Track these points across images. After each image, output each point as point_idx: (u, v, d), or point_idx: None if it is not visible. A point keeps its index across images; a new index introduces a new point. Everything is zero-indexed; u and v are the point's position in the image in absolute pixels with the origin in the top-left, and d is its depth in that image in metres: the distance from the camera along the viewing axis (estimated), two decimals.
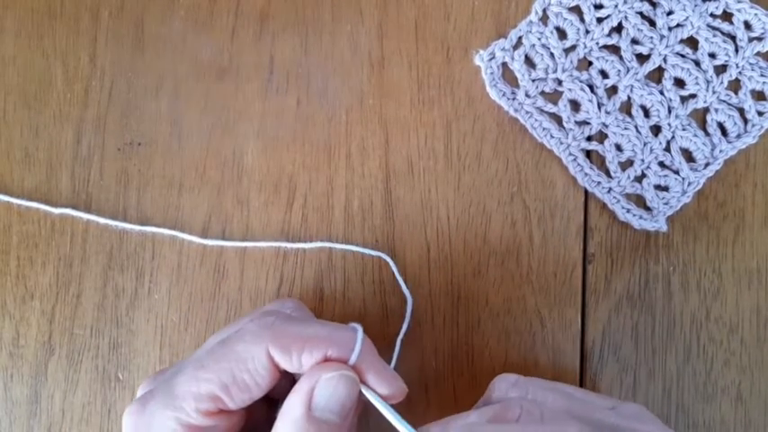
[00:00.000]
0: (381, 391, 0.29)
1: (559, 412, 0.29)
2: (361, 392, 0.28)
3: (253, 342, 0.28)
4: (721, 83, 0.38)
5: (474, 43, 0.39)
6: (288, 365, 0.28)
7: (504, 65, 0.39)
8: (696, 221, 0.38)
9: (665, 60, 0.38)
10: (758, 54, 0.39)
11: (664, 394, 0.37)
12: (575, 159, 0.38)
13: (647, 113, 0.39)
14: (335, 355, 0.28)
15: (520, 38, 0.39)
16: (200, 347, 0.31)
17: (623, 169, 0.38)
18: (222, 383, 0.27)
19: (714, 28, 0.39)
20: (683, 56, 0.39)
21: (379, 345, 0.36)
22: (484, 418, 0.29)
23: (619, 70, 0.38)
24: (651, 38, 0.38)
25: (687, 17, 0.38)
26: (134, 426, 0.28)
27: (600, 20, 0.39)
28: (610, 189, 0.38)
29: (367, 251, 0.37)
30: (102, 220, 0.38)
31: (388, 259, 0.37)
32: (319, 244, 0.38)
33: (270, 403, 0.32)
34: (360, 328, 0.29)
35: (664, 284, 0.38)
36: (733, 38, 0.39)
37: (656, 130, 0.39)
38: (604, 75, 0.39)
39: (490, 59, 0.39)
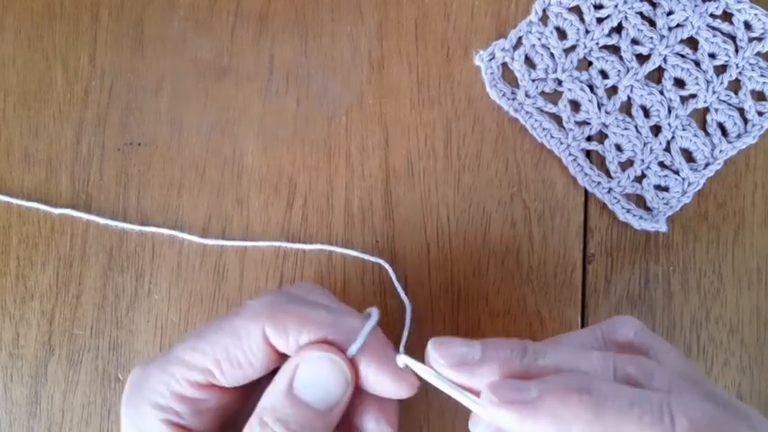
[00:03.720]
0: (381, 388, 0.27)
1: (679, 379, 0.26)
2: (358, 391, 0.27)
3: (250, 318, 0.27)
4: (721, 83, 0.38)
5: (474, 43, 0.39)
6: (284, 346, 0.27)
7: (504, 65, 0.39)
8: (696, 221, 0.38)
9: (665, 60, 0.38)
10: (758, 54, 0.39)
11: None
12: (575, 159, 0.38)
13: (647, 113, 0.39)
14: (335, 340, 0.27)
15: (520, 38, 0.39)
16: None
17: (623, 169, 0.38)
18: (215, 358, 0.27)
19: (714, 28, 0.39)
20: (683, 56, 0.39)
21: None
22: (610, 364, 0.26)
23: (619, 70, 0.38)
24: (651, 38, 0.38)
25: (687, 17, 0.38)
26: (130, 385, 0.28)
27: (600, 20, 0.39)
28: (610, 189, 0.38)
29: (366, 256, 0.37)
30: (102, 221, 0.38)
31: (387, 266, 0.37)
32: (318, 246, 0.38)
33: None
34: (374, 316, 0.28)
35: (664, 284, 0.38)
36: (733, 38, 0.39)
37: (656, 130, 0.39)
38: (604, 75, 0.39)
39: (490, 59, 0.39)
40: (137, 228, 0.38)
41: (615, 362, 0.26)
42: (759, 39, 0.38)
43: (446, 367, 0.26)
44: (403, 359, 0.27)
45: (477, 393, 0.26)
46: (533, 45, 0.39)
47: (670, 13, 0.38)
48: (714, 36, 0.38)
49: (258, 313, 0.27)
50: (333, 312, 0.28)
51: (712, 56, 0.39)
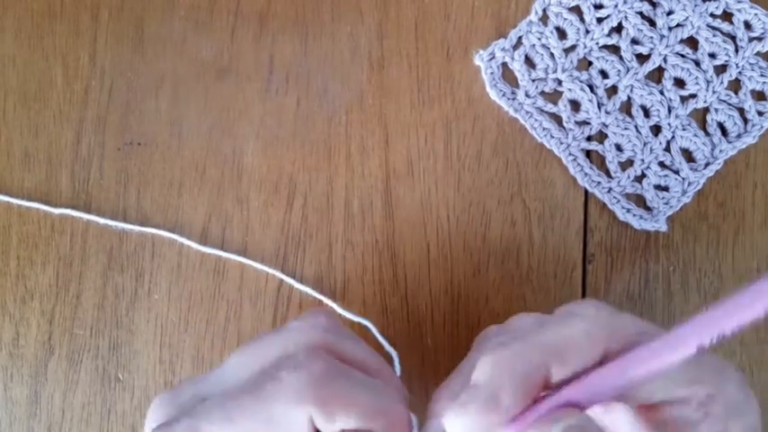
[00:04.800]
0: None
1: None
2: None
3: (294, 402, 0.24)
4: (721, 83, 0.38)
5: (474, 43, 0.39)
6: (329, 429, 0.24)
7: (504, 65, 0.39)
8: (696, 221, 0.38)
9: (665, 60, 0.38)
10: (758, 54, 0.39)
11: None
12: (575, 159, 0.38)
13: (647, 113, 0.39)
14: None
15: (520, 38, 0.39)
16: (229, 363, 0.27)
17: (623, 169, 0.38)
18: None
19: (714, 28, 0.39)
20: (683, 56, 0.39)
21: (379, 347, 0.36)
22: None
23: (619, 70, 0.38)
24: (651, 38, 0.38)
25: (687, 17, 0.38)
26: None
27: (600, 20, 0.39)
28: (610, 189, 0.38)
29: (350, 315, 0.36)
30: (102, 221, 0.38)
31: (370, 325, 0.36)
32: (311, 291, 0.37)
33: None
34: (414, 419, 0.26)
35: (664, 284, 0.38)
36: (733, 38, 0.39)
37: (656, 130, 0.39)
38: (604, 75, 0.39)
39: (490, 59, 0.39)
40: (137, 228, 0.38)
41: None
42: (759, 38, 0.38)
43: None
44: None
45: None
46: (533, 45, 0.39)
47: (670, 12, 0.38)
48: (714, 36, 0.38)
49: (302, 396, 0.24)
50: (380, 395, 0.26)
51: (712, 56, 0.39)
